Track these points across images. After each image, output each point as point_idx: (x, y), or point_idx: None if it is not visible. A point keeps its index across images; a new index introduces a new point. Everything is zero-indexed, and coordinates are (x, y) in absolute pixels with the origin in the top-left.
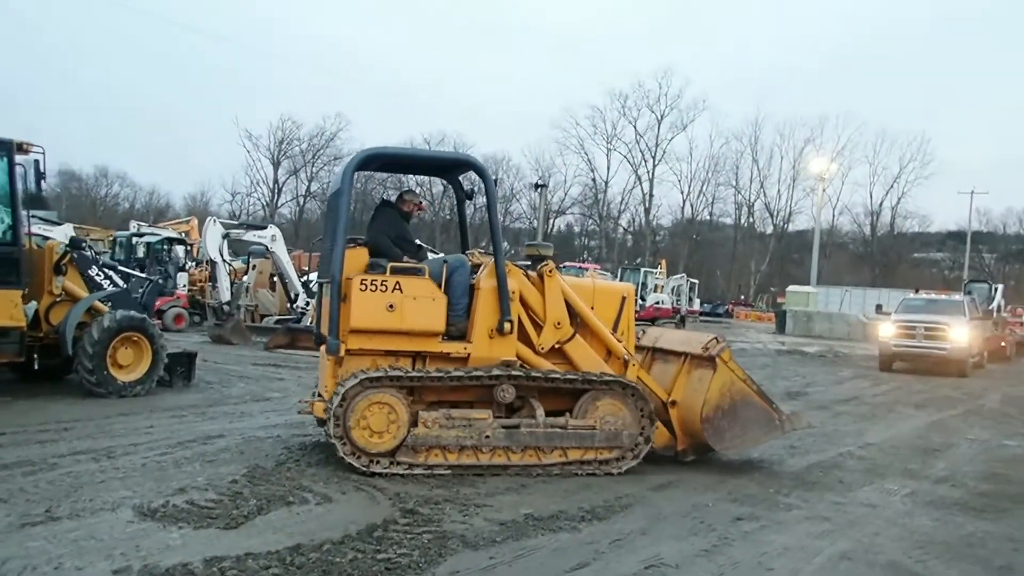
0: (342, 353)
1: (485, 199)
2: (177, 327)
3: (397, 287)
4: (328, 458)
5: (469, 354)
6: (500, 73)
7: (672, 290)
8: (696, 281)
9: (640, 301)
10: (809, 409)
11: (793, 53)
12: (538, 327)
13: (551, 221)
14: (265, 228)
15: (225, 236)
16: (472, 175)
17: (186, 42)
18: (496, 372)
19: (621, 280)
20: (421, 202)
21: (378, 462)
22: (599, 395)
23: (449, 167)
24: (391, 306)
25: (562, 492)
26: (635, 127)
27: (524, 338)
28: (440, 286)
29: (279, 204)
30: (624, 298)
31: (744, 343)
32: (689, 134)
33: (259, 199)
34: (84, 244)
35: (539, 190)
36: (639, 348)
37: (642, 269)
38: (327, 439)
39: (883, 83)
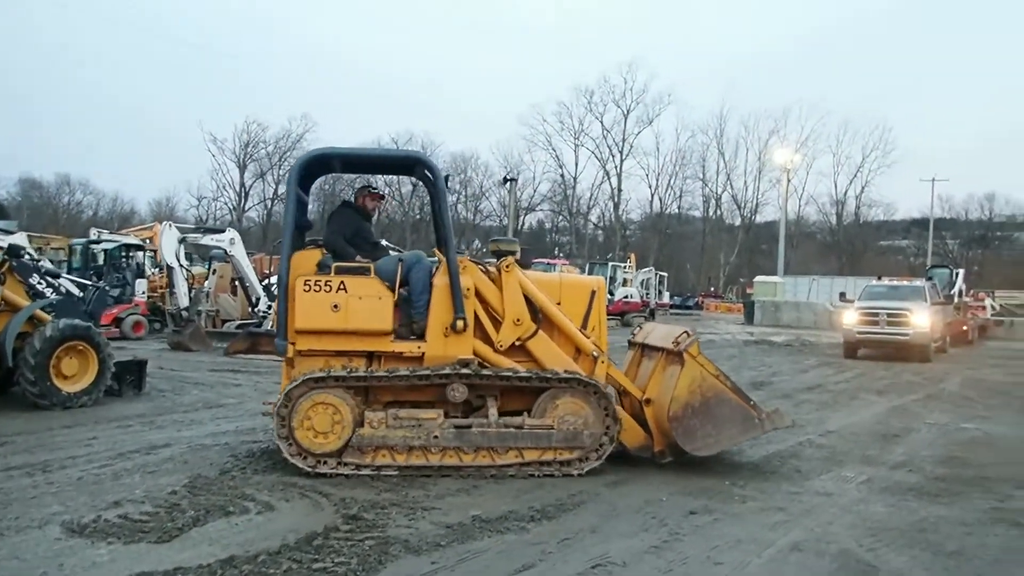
0: (290, 354)
1: (434, 194)
2: (136, 335)
3: (342, 287)
4: (275, 465)
5: (424, 353)
6: (467, 71)
7: (641, 283)
8: (665, 274)
9: (609, 295)
10: (772, 398)
11: (756, 45)
12: (498, 324)
13: (521, 218)
14: (223, 231)
15: (181, 241)
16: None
17: (147, 46)
18: (445, 371)
19: (590, 275)
20: (380, 195)
21: (325, 463)
22: (558, 393)
23: (399, 165)
24: (336, 306)
25: (514, 492)
26: (602, 122)
27: (485, 336)
28: (394, 285)
29: (246, 208)
30: (594, 292)
31: (713, 334)
32: (655, 128)
33: (226, 203)
34: (23, 252)
35: (508, 184)
36: (632, 345)
37: (610, 263)
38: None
39: (845, 73)
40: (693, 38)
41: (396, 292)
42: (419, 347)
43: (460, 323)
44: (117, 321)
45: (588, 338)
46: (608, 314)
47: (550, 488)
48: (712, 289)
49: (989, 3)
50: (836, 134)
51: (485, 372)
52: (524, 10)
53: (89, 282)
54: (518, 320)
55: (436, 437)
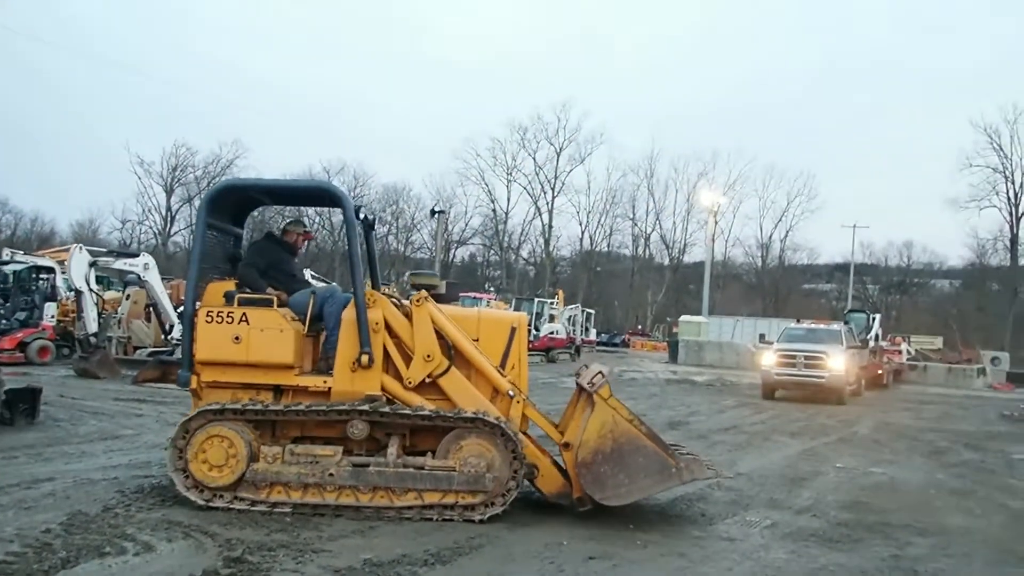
0: (193, 385)
1: (345, 225)
2: (42, 360)
3: (244, 319)
4: (163, 501)
5: (330, 388)
6: (401, 103)
7: (568, 320)
8: (592, 311)
9: (534, 331)
10: (687, 439)
11: (687, 90)
12: (409, 360)
13: (452, 251)
14: (137, 256)
15: (92, 264)
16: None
17: (72, 65)
18: (342, 407)
19: (517, 310)
20: (306, 232)
21: (222, 496)
22: (463, 434)
23: (309, 195)
24: (237, 338)
25: (412, 534)
26: (534, 159)
27: (396, 372)
28: (305, 318)
29: (172, 232)
30: (514, 329)
31: (636, 372)
32: (587, 167)
33: (151, 227)
34: None
35: (436, 216)
36: (578, 384)
37: (535, 299)
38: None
39: (770, 121)
40: (624, 81)
41: (307, 325)
42: (325, 382)
43: (365, 358)
44: (22, 345)
45: (505, 376)
46: (533, 350)
47: (450, 531)
48: (639, 327)
49: (908, 59)
50: (762, 178)
51: (383, 409)
52: (457, 46)
53: None
54: (428, 356)
55: (331, 475)
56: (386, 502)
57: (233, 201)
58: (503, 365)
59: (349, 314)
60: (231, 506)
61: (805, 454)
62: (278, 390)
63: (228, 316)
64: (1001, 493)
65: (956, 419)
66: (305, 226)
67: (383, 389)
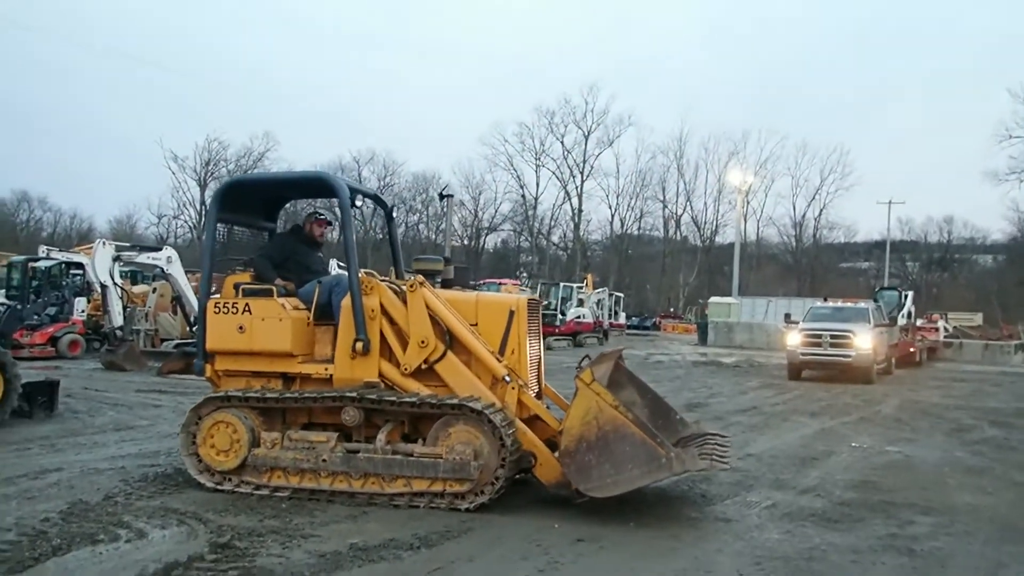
0: (208, 373)
1: (341, 213)
2: (72, 354)
3: (247, 309)
4: (164, 489)
5: (331, 375)
6: (429, 91)
7: (597, 303)
8: (621, 295)
9: (561, 316)
10: (703, 421)
11: (716, 68)
12: (407, 346)
13: (483, 237)
14: (160, 250)
15: (116, 259)
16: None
17: (106, 64)
18: (331, 394)
19: (544, 295)
20: (319, 219)
21: (230, 479)
22: (451, 421)
23: (308, 186)
24: (241, 328)
25: (404, 519)
26: (562, 143)
27: (394, 358)
28: (311, 307)
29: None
30: (512, 312)
31: (664, 355)
32: (616, 149)
33: (186, 221)
34: None
35: (443, 200)
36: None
37: (561, 284)
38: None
39: (802, 97)
40: (653, 62)
41: (312, 314)
42: (326, 369)
43: (359, 344)
44: (53, 340)
45: (500, 361)
46: (561, 334)
47: (442, 516)
48: (671, 310)
49: (941, 30)
50: (794, 156)
51: (370, 396)
52: (483, 32)
53: (3, 301)
54: (423, 342)
55: (325, 461)
56: (377, 488)
57: (250, 197)
58: (502, 350)
59: (348, 301)
60: (238, 489)
61: (822, 434)
62: (287, 377)
63: (233, 307)
64: (1018, 471)
65: (986, 396)
66: (319, 215)
67: (381, 376)
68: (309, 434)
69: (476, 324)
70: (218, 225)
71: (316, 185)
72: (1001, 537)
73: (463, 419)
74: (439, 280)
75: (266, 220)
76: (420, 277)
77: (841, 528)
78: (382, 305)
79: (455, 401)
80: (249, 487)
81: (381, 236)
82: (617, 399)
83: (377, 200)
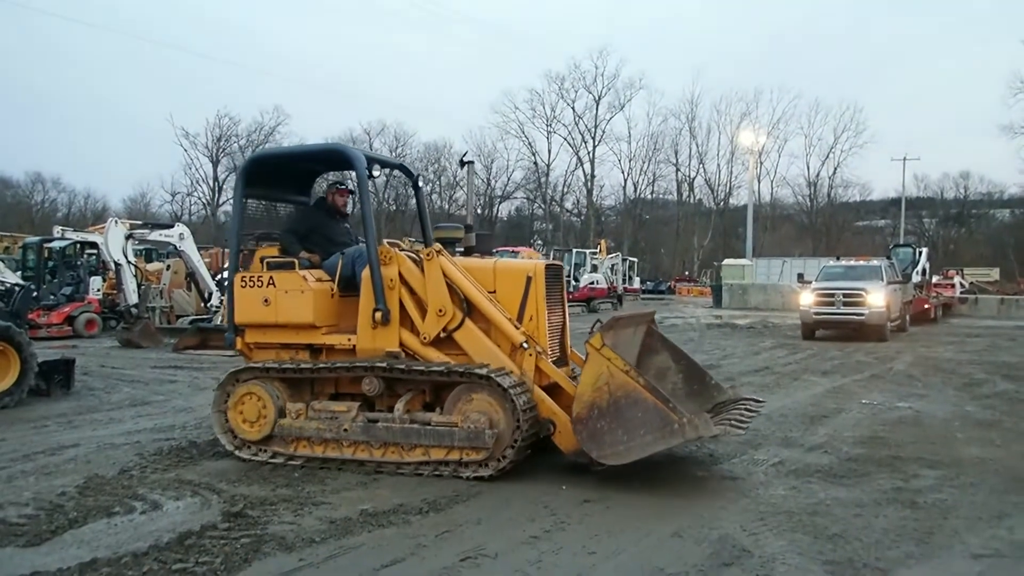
0: (239, 347)
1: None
2: (89, 332)
3: (271, 282)
4: (179, 462)
5: (354, 345)
6: (439, 61)
7: (611, 269)
8: (635, 259)
9: (575, 282)
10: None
11: (725, 28)
12: (426, 315)
13: (497, 206)
14: (172, 227)
15: (129, 237)
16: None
17: (113, 42)
18: (344, 364)
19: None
20: (339, 189)
21: (264, 450)
22: (467, 389)
23: (326, 158)
24: (266, 300)
25: (414, 485)
26: (573, 108)
27: (414, 327)
28: (335, 279)
29: (220, 202)
30: (529, 278)
31: (678, 318)
32: (627, 113)
33: (200, 198)
34: None
35: (465, 167)
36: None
37: (575, 250)
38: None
39: (814, 55)
40: (662, 23)
41: (336, 286)
42: (349, 339)
43: (378, 315)
44: (70, 319)
45: (519, 328)
46: (574, 300)
47: (452, 481)
48: (686, 273)
49: None
50: (807, 115)
51: (379, 364)
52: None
53: (17, 281)
54: (441, 310)
55: (346, 430)
56: (397, 457)
57: (275, 172)
58: (520, 317)
59: (366, 272)
60: (272, 460)
61: (833, 392)
62: (314, 349)
63: (259, 280)
64: None
65: (1000, 351)
66: (339, 185)
67: (402, 345)
68: (331, 404)
69: (495, 291)
70: (248, 201)
71: (334, 157)
72: (1006, 488)
73: (477, 387)
74: (460, 248)
75: (298, 194)
76: (438, 245)
77: (847, 483)
78: (401, 275)
79: (462, 368)
80: (281, 457)
81: (395, 207)
82: (627, 364)
83: (403, 170)
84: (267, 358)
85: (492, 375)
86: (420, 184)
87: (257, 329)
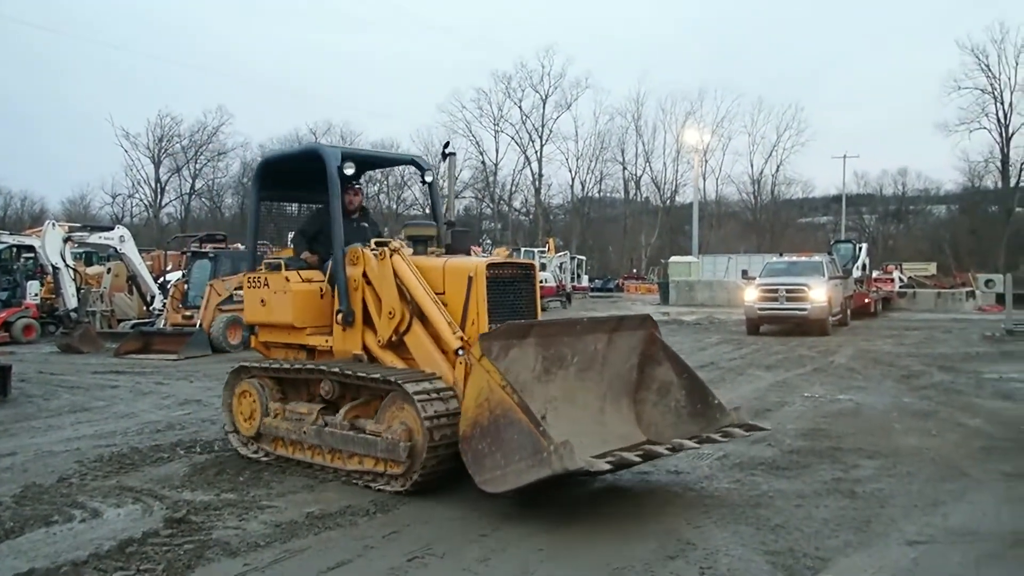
0: (253, 345)
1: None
2: (27, 338)
3: (266, 283)
4: (120, 469)
5: (331, 347)
6: (384, 61)
7: (560, 267)
8: (584, 258)
9: None
10: None
11: (672, 28)
12: None
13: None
14: (112, 229)
15: (67, 240)
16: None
17: (49, 41)
18: (295, 366)
19: None
20: (351, 188)
21: (263, 448)
22: (401, 397)
23: (305, 158)
24: (263, 301)
25: (360, 487)
26: (520, 108)
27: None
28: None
29: (163, 204)
30: (470, 278)
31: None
32: (574, 112)
33: (142, 199)
34: None
35: (447, 159)
36: None
37: (523, 248)
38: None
39: (758, 55)
40: (607, 23)
41: (325, 287)
42: (327, 340)
43: (340, 316)
44: (6, 325)
45: (455, 333)
46: None
47: None
48: (634, 271)
49: None
50: (751, 114)
51: (321, 367)
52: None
53: None
54: (391, 312)
55: (304, 433)
56: (340, 464)
57: (284, 174)
58: (464, 320)
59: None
60: (265, 458)
61: (776, 386)
62: (307, 349)
63: (257, 281)
64: (962, 412)
65: (937, 343)
66: (352, 184)
67: (364, 347)
68: (299, 406)
69: (443, 293)
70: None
71: (314, 156)
72: (941, 476)
73: (398, 395)
74: (433, 248)
75: (319, 193)
76: (395, 244)
77: (789, 475)
78: (365, 275)
79: (378, 374)
80: (268, 457)
81: (394, 207)
82: (504, 378)
83: (414, 163)
84: (278, 356)
85: (400, 381)
86: (428, 179)
87: (263, 328)
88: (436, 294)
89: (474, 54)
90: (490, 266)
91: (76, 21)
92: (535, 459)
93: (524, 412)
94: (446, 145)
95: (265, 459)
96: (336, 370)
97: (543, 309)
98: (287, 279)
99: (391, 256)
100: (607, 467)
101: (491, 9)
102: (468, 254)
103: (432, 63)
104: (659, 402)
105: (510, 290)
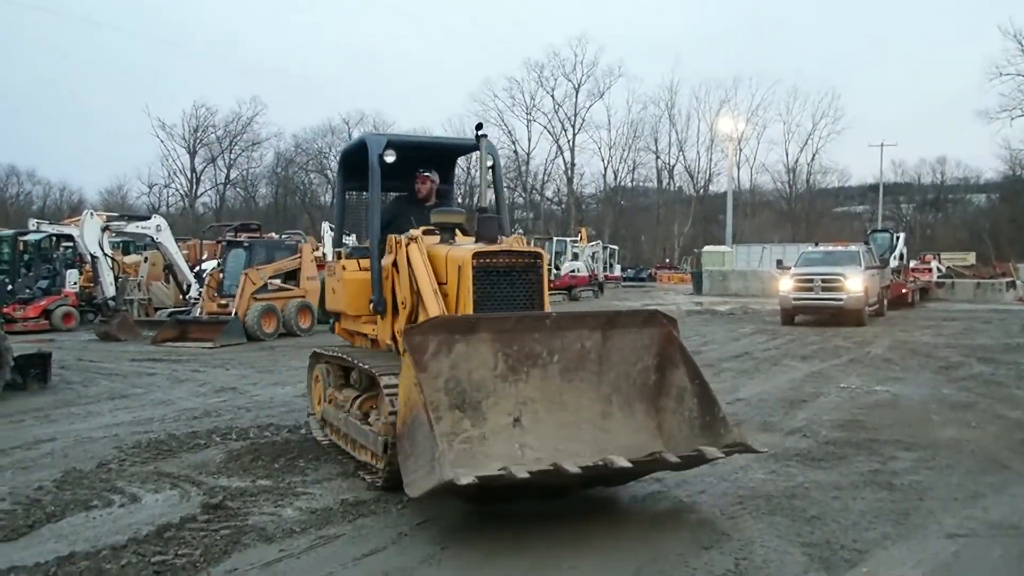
0: (336, 331)
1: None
2: (67, 326)
3: (334, 271)
4: (158, 455)
5: (377, 335)
6: (417, 50)
7: (592, 256)
8: (616, 247)
9: (555, 270)
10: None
11: (705, 15)
12: None
13: (477, 195)
14: (149, 219)
15: (105, 229)
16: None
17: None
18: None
19: None
20: (422, 176)
21: (327, 433)
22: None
23: (358, 150)
24: (332, 289)
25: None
26: (553, 96)
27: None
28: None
29: (199, 193)
30: (459, 268)
31: (658, 305)
32: (607, 101)
33: (177, 189)
34: None
35: (480, 140)
36: None
37: (555, 238)
38: None
39: (792, 41)
40: (640, 11)
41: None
42: (373, 329)
43: (371, 305)
44: (46, 313)
45: None
46: (555, 289)
47: None
48: (667, 261)
49: None
50: (786, 102)
51: (335, 356)
52: None
53: None
54: (403, 302)
55: (341, 419)
56: (356, 454)
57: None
58: (456, 311)
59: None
60: (327, 443)
61: (811, 376)
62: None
63: (331, 270)
64: (1002, 404)
65: (976, 334)
66: (418, 171)
67: (393, 337)
68: (341, 393)
69: (446, 283)
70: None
71: (363, 147)
72: (981, 469)
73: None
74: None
75: (394, 181)
76: (414, 233)
77: (825, 466)
78: (395, 263)
79: (366, 365)
80: (326, 439)
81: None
82: (418, 376)
83: (478, 149)
84: (357, 343)
85: (379, 373)
86: (488, 162)
87: (342, 316)
88: (440, 284)
89: (506, 44)
90: (477, 255)
91: (115, 13)
92: (430, 466)
93: (426, 411)
94: (479, 127)
95: (326, 443)
96: (342, 356)
97: (575, 299)
98: (344, 267)
99: (407, 246)
100: (450, 475)
101: None
102: (496, 241)
103: (465, 54)
104: (677, 410)
105: (505, 281)
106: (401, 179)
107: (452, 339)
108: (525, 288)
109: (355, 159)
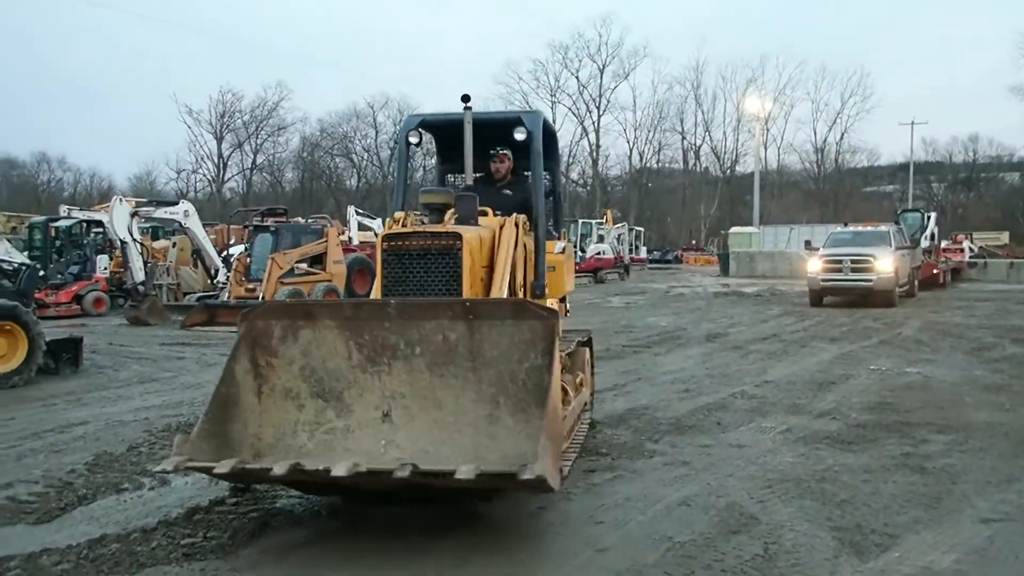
0: None
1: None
2: (97, 311)
3: None
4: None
5: None
6: (441, 33)
7: (618, 239)
8: (642, 229)
9: (581, 252)
10: (722, 350)
11: None
12: None
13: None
14: (177, 204)
15: (134, 215)
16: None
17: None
18: None
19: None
20: (497, 155)
21: None
22: None
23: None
24: None
25: None
26: (577, 78)
27: None
28: None
29: (226, 179)
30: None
31: (685, 287)
32: (632, 82)
33: (205, 175)
34: None
35: (465, 112)
36: None
37: (580, 220)
38: None
39: (820, 18)
40: None
41: None
42: None
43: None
44: (77, 298)
45: None
46: (581, 271)
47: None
48: (693, 242)
49: None
50: (814, 81)
51: None
52: None
53: (24, 261)
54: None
55: None
56: None
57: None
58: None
59: None
60: None
61: (841, 358)
62: None
63: None
64: None
65: (1009, 315)
66: (493, 150)
67: None
68: None
69: None
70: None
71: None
72: (1015, 452)
73: None
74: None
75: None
76: (398, 215)
77: (855, 449)
78: None
79: None
80: None
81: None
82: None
83: (521, 122)
84: None
85: None
86: (519, 135)
87: None
88: None
89: (531, 26)
90: (387, 237)
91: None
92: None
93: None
94: (465, 98)
95: None
96: None
97: (600, 281)
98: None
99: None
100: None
101: None
102: (474, 222)
103: (488, 35)
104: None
105: (419, 265)
106: (480, 159)
107: (296, 325)
108: (441, 273)
109: (447, 137)
